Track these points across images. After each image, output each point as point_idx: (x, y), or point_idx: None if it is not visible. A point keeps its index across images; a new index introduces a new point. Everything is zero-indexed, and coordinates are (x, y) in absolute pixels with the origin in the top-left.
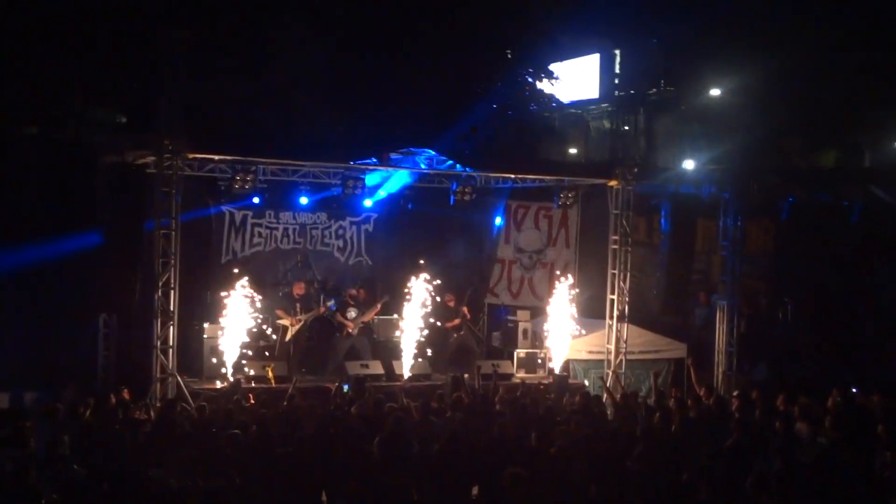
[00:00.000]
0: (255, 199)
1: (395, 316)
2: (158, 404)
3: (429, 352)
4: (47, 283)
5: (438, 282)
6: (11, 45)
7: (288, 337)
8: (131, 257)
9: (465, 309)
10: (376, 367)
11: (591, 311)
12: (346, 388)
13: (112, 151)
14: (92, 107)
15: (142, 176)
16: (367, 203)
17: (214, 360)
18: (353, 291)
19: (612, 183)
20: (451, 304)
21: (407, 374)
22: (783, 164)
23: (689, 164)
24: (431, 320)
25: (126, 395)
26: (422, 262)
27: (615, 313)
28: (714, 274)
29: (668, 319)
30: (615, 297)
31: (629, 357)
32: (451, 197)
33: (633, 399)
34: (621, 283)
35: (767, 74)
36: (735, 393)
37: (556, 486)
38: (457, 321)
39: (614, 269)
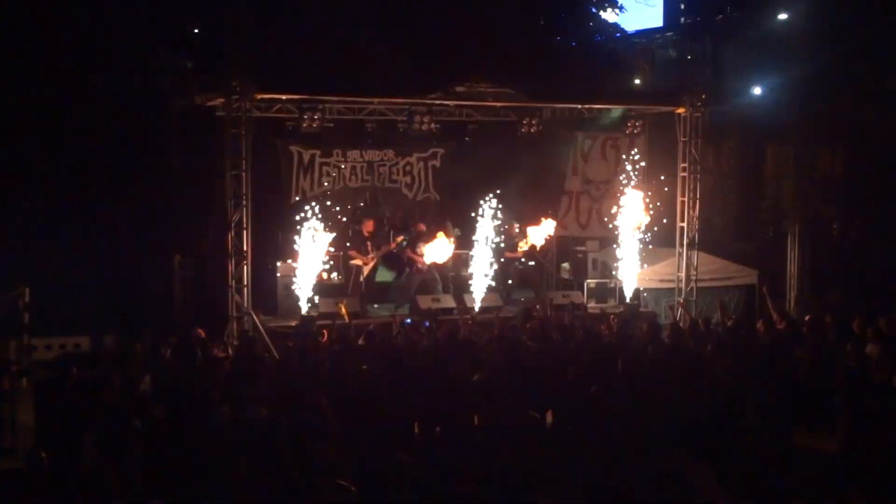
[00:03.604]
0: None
1: (465, 251)
2: (236, 342)
3: (493, 282)
4: (122, 227)
5: (503, 215)
6: None
7: (363, 276)
8: (204, 199)
9: (526, 240)
10: (447, 301)
11: (661, 240)
12: (408, 322)
13: (181, 95)
14: (158, 52)
15: (212, 118)
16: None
17: (288, 298)
18: (423, 227)
19: (680, 110)
20: (512, 233)
21: (478, 306)
22: (853, 88)
23: (757, 91)
24: (501, 256)
25: (202, 333)
26: (489, 196)
27: (685, 241)
28: (784, 200)
29: (739, 246)
30: (685, 224)
31: (700, 284)
32: (518, 130)
33: (704, 325)
34: (691, 211)
35: None
36: (807, 318)
37: (633, 405)
38: (519, 253)
39: (683, 196)
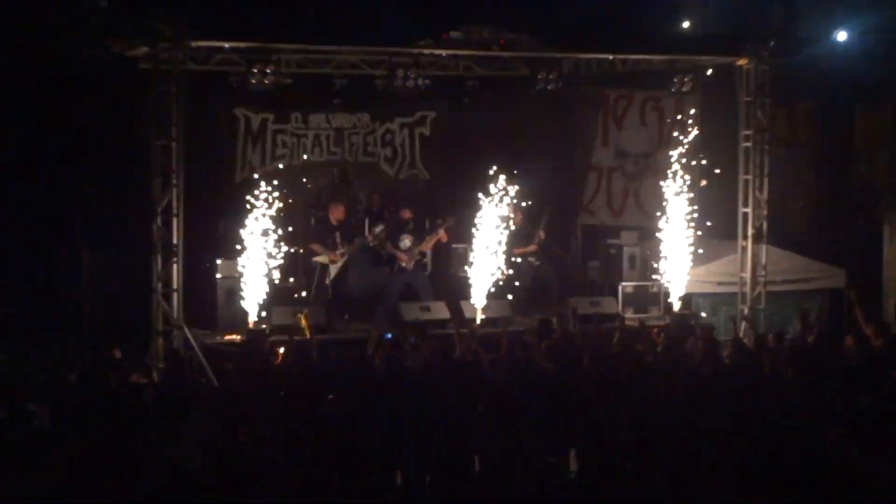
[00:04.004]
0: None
1: (462, 245)
2: (161, 365)
3: (500, 286)
4: (13, 212)
5: (515, 198)
6: None
7: (329, 278)
8: (122, 177)
9: (540, 232)
10: (440, 310)
11: (719, 230)
12: (388, 337)
13: (92, 43)
14: None
15: (133, 73)
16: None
17: (232, 306)
18: (408, 214)
19: (742, 61)
20: (520, 223)
21: (480, 317)
22: None
23: (842, 36)
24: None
25: (117, 353)
26: (493, 174)
27: (750, 231)
28: (879, 177)
29: (820, 238)
30: (749, 209)
31: (770, 288)
32: (532, 86)
33: (776, 341)
34: (757, 193)
35: None
36: None
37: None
38: (530, 247)
39: (747, 174)
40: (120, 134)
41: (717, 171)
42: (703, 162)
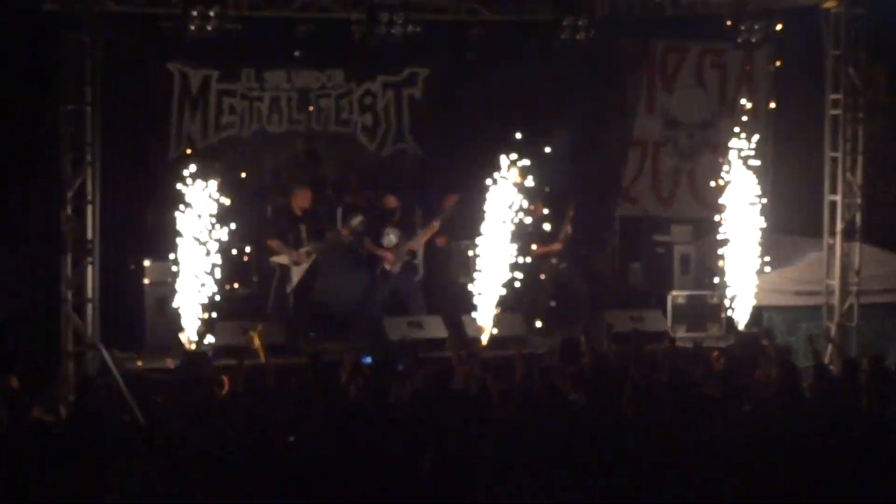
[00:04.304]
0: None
1: (465, 242)
2: (72, 396)
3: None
4: None
5: (533, 182)
6: None
7: (291, 284)
8: (22, 152)
9: (566, 227)
10: (434, 327)
11: (797, 225)
12: (367, 360)
13: None
14: None
15: (37, 17)
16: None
17: (163, 321)
18: (393, 202)
19: (830, 3)
20: (540, 214)
21: (487, 335)
22: None
23: None
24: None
25: (13, 382)
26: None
27: (839, 226)
28: None
29: None
30: (838, 198)
31: (865, 299)
32: (556, 35)
33: (872, 368)
34: (849, 175)
35: None
36: None
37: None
38: (554, 246)
39: (836, 150)
40: (20, 97)
41: (797, 147)
42: (779, 135)
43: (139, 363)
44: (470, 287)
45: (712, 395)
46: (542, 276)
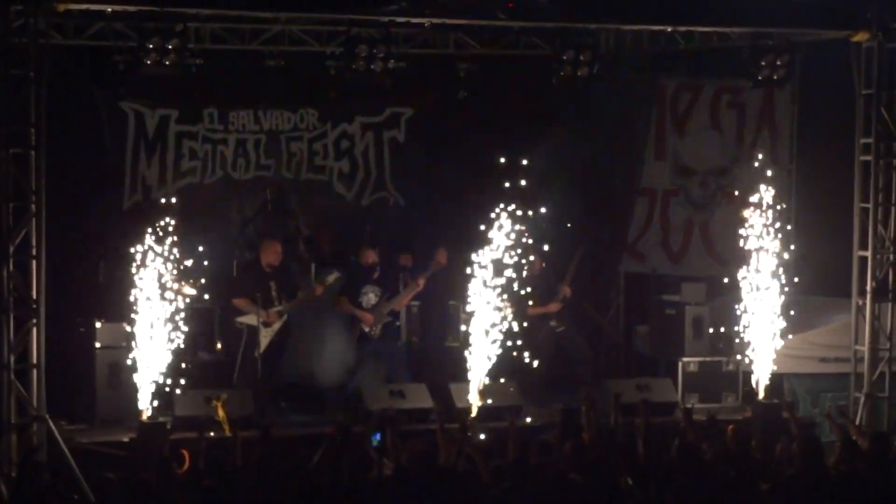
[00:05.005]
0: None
1: (451, 302)
2: (14, 474)
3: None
4: None
5: (530, 236)
6: None
7: (259, 349)
8: None
9: (565, 287)
10: (419, 396)
11: (824, 284)
12: (376, 438)
13: None
14: None
15: None
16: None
17: (117, 389)
18: (372, 257)
19: (861, 37)
20: (538, 271)
21: (476, 406)
22: None
23: None
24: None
25: None
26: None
27: (869, 284)
28: None
29: None
30: (868, 253)
31: None
32: (555, 72)
33: None
34: (881, 229)
35: None
36: None
37: None
38: (552, 306)
39: (866, 201)
40: None
41: (823, 196)
42: (802, 184)
43: (90, 436)
44: (458, 351)
45: (727, 474)
46: (539, 340)
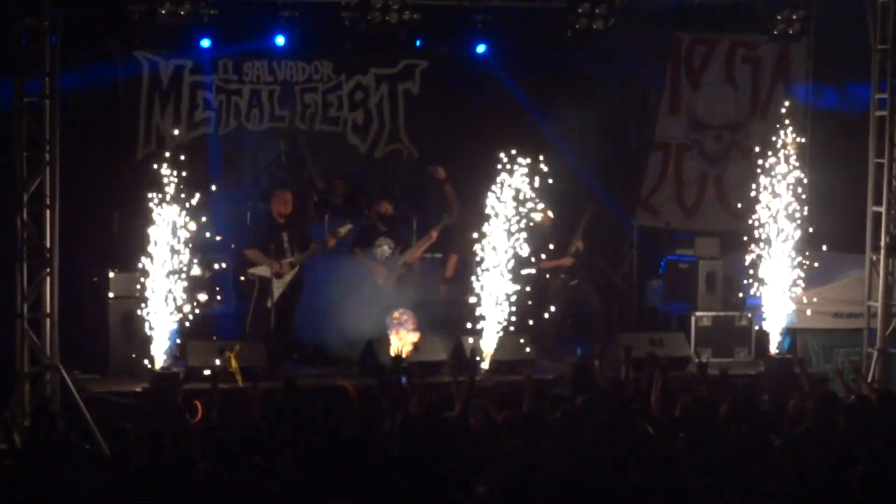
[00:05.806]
0: (206, 43)
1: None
2: (28, 423)
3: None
4: None
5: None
6: None
7: (272, 299)
8: None
9: (578, 241)
10: (432, 349)
11: (838, 239)
12: (403, 380)
13: None
14: None
15: None
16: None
17: (130, 340)
18: (387, 208)
19: None
20: (550, 225)
21: (489, 360)
22: None
23: None
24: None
25: None
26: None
27: (883, 239)
28: None
29: None
30: (883, 209)
31: None
32: (569, 25)
33: None
34: (895, 184)
35: None
36: None
37: None
38: (564, 260)
39: (881, 156)
40: None
41: (838, 151)
42: (816, 138)
43: (104, 386)
44: (471, 305)
45: (740, 430)
46: (552, 293)
